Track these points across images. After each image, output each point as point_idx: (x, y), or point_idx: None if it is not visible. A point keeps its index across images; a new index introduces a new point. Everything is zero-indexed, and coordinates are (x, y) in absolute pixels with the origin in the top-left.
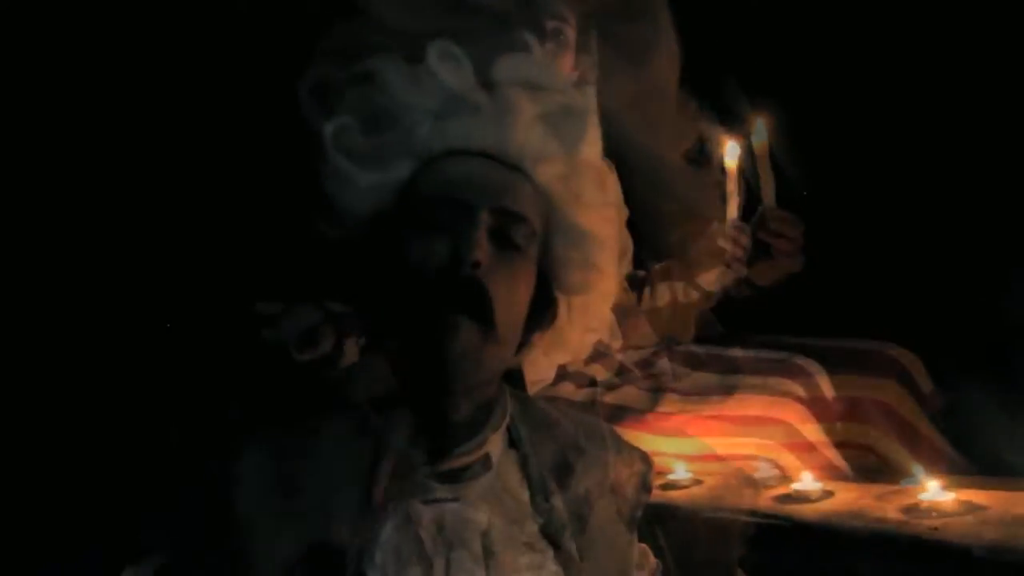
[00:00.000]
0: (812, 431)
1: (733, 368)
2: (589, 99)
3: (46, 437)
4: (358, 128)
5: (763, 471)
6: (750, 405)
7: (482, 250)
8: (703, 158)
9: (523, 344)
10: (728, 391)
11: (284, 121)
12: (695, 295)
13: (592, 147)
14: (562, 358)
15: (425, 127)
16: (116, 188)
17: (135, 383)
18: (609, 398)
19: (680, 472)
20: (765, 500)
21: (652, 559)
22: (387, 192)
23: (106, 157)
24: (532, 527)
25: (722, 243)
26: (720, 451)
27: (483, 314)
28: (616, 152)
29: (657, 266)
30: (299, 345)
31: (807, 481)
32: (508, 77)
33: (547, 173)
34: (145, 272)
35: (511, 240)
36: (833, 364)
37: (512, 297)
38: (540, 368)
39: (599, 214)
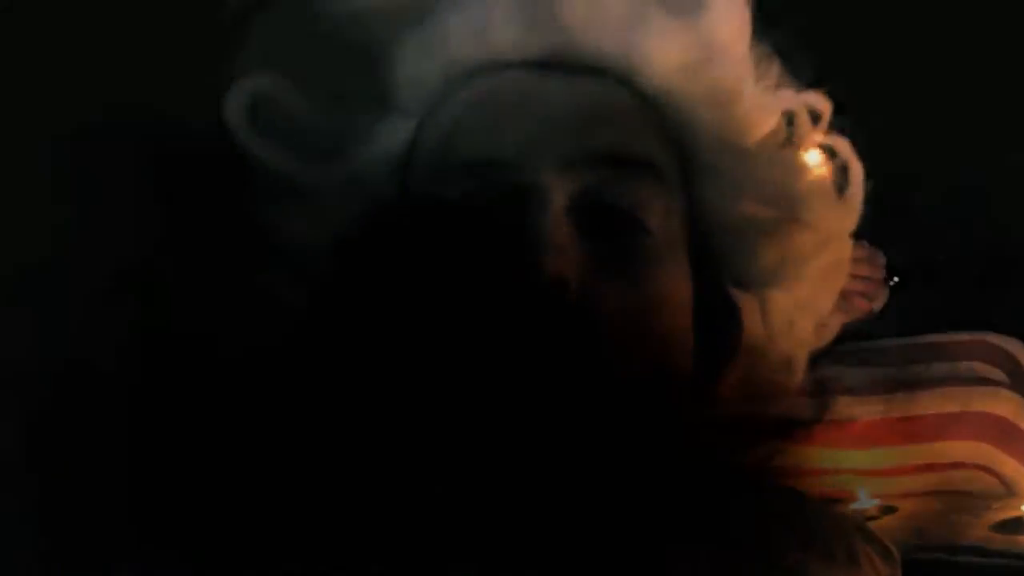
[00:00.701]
0: None
1: (902, 359)
2: None
3: None
4: (307, 106)
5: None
6: (948, 399)
7: (563, 250)
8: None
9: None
10: (911, 386)
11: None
12: None
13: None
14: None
15: (418, 38)
16: None
17: None
18: (770, 410)
19: (864, 501)
20: (984, 531)
21: None
22: (367, 189)
23: None
24: None
25: None
26: (915, 461)
27: (583, 375)
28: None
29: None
30: None
31: None
32: None
33: (662, 65)
34: None
35: (623, 212)
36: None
37: (644, 324)
38: None
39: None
